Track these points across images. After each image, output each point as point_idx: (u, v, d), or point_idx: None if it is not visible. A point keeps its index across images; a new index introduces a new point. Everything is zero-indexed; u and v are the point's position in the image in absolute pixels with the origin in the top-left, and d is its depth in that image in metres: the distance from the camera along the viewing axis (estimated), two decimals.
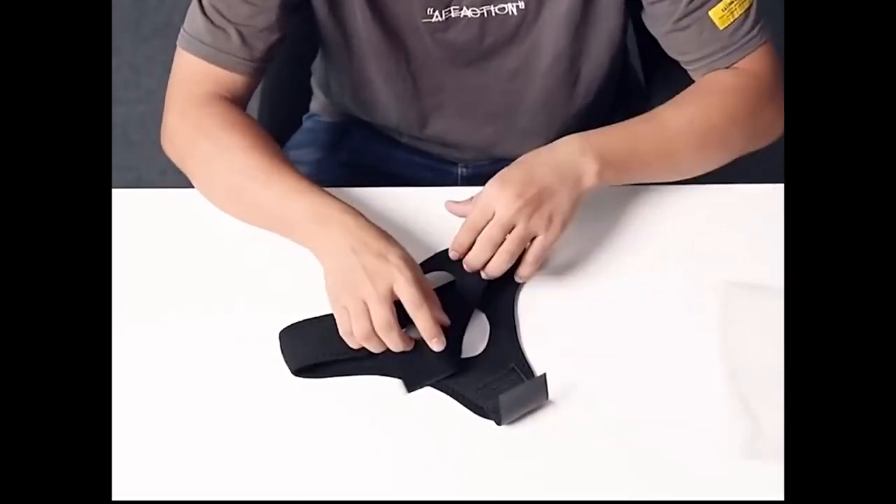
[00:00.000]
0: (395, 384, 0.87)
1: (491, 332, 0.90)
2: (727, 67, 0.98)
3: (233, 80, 0.99)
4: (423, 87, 1.07)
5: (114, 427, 0.79)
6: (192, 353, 0.89)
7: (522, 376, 0.85)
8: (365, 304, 0.84)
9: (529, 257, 0.89)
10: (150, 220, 0.95)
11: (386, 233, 0.89)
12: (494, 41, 1.02)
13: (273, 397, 0.87)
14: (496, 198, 0.88)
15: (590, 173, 0.91)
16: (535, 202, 0.88)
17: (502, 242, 0.88)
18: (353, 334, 0.84)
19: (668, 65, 1.15)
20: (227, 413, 0.86)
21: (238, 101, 1.00)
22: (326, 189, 0.92)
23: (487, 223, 0.88)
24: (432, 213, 0.97)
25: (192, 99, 0.98)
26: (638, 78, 1.24)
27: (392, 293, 0.84)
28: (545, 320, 0.91)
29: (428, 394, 0.86)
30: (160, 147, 1.00)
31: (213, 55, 0.97)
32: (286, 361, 0.88)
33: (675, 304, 0.92)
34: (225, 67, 0.98)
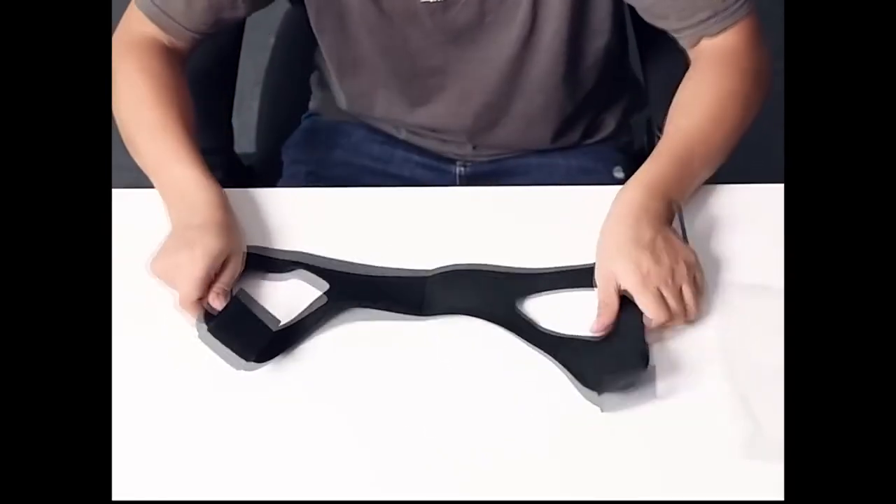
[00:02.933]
0: (396, 385, 0.87)
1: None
2: (715, 35, 0.99)
3: (170, 41, 1.02)
4: (422, 68, 1.07)
5: (114, 427, 0.79)
6: (191, 352, 0.89)
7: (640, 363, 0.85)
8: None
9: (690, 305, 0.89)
10: (150, 220, 0.94)
11: (224, 219, 0.91)
12: (494, 20, 1.02)
13: (273, 397, 0.87)
14: (619, 275, 0.88)
15: (663, 211, 0.92)
16: (655, 258, 0.88)
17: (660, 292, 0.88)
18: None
19: (667, 63, 1.16)
20: (227, 413, 0.86)
21: (174, 53, 1.02)
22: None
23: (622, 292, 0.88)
24: (431, 212, 0.97)
25: (128, 40, 1.01)
26: (637, 76, 1.24)
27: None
28: (545, 320, 0.91)
29: (428, 394, 0.86)
30: None
31: (157, 14, 1.00)
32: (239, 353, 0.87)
33: None
34: (165, 30, 1.00)
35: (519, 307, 0.91)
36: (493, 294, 0.91)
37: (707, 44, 1.00)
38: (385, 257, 0.95)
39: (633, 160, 1.25)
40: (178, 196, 0.93)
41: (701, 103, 0.98)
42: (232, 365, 0.87)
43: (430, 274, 0.92)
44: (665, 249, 0.88)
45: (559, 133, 1.16)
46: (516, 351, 0.89)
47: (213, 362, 0.88)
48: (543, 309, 0.91)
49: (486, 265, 0.93)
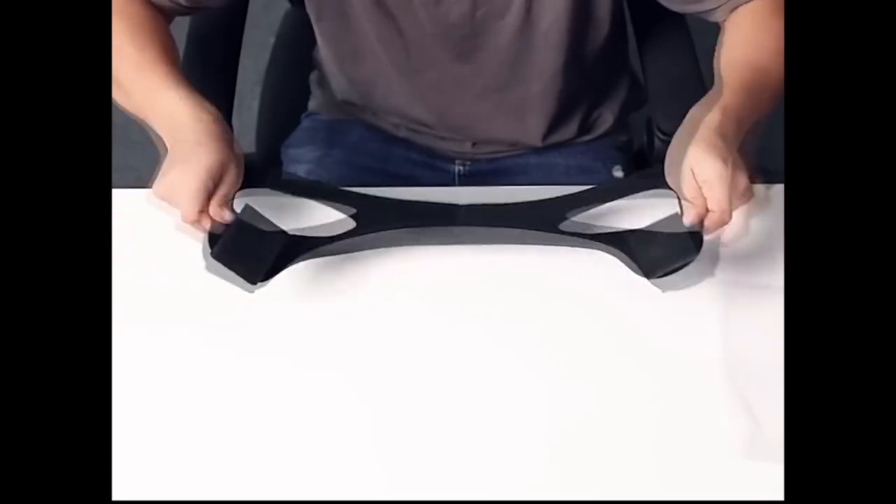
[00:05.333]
0: (396, 385, 0.87)
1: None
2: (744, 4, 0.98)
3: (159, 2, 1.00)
4: (417, 60, 1.07)
5: (114, 427, 0.79)
6: (191, 353, 0.89)
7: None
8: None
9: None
10: (150, 220, 0.94)
11: (217, 131, 0.90)
12: (487, 13, 1.02)
13: (273, 397, 0.87)
14: (717, 167, 0.86)
15: (736, 138, 0.89)
16: (736, 164, 0.86)
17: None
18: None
19: (667, 62, 1.16)
20: (227, 413, 0.86)
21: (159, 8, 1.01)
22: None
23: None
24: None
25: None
26: (636, 74, 1.24)
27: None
28: (543, 320, 0.91)
29: (428, 393, 0.86)
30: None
31: None
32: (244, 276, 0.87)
33: (674, 304, 0.92)
34: None
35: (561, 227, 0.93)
36: (535, 213, 0.93)
37: (742, 9, 0.98)
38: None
39: (632, 159, 1.25)
40: (169, 121, 0.92)
41: (762, 38, 0.96)
42: (245, 289, 0.87)
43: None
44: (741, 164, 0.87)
45: (556, 124, 1.16)
46: (516, 351, 0.89)
47: (213, 362, 0.88)
48: (535, 305, 0.91)
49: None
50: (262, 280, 0.87)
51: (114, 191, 0.86)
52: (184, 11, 1.03)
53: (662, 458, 0.82)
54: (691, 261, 0.86)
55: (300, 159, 1.20)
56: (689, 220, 0.87)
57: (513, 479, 0.81)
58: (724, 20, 1.00)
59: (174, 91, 0.92)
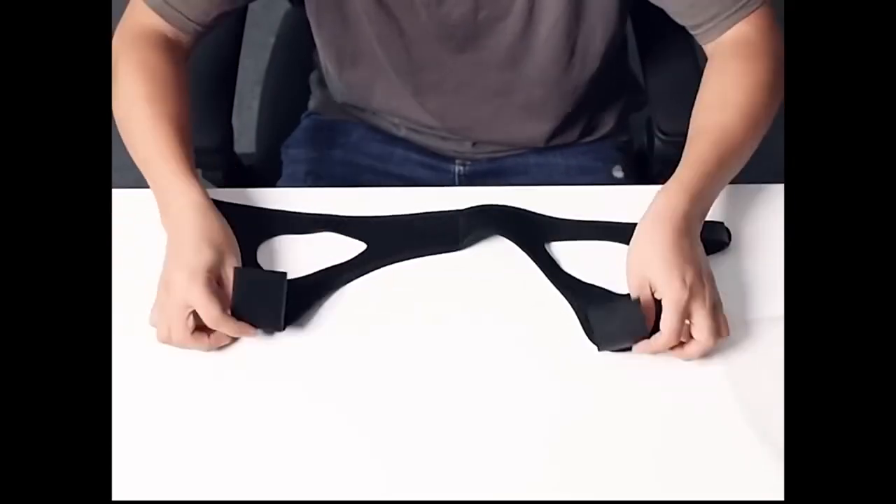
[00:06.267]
0: (396, 385, 0.87)
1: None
2: (733, 26, 0.97)
3: (174, 33, 1.00)
4: (420, 60, 1.07)
5: (114, 427, 0.79)
6: (191, 353, 0.89)
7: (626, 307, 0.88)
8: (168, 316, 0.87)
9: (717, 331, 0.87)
10: (150, 220, 0.94)
11: (215, 236, 0.90)
12: (489, 15, 1.02)
13: (272, 397, 0.87)
14: (659, 283, 0.86)
15: (697, 221, 0.90)
16: (698, 284, 0.85)
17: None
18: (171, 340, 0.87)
19: (667, 64, 1.16)
20: (227, 413, 0.86)
21: (177, 47, 1.01)
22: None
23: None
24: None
25: (131, 31, 1.00)
26: (636, 77, 1.24)
27: (189, 308, 0.86)
28: (544, 320, 0.91)
29: (428, 393, 0.86)
30: None
31: (160, 6, 0.99)
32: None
33: None
34: (169, 21, 0.99)
35: (546, 247, 0.95)
36: (524, 228, 0.96)
37: (726, 36, 0.98)
38: None
39: (632, 159, 1.25)
40: (160, 193, 0.93)
41: (731, 97, 0.95)
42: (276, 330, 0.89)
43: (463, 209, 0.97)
44: (703, 263, 0.87)
45: (558, 129, 1.16)
46: (516, 350, 0.89)
47: (213, 362, 0.88)
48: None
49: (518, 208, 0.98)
50: (287, 322, 0.89)
51: (114, 191, 0.86)
52: (207, 30, 1.03)
53: (662, 458, 0.82)
54: (641, 338, 0.86)
55: (300, 159, 1.20)
56: (641, 348, 0.87)
57: (513, 479, 0.81)
58: (709, 45, 0.99)
59: (168, 163, 0.92)
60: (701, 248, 0.89)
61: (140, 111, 0.95)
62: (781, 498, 0.69)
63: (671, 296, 0.84)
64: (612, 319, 0.87)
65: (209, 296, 0.85)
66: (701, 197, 0.90)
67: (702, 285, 0.85)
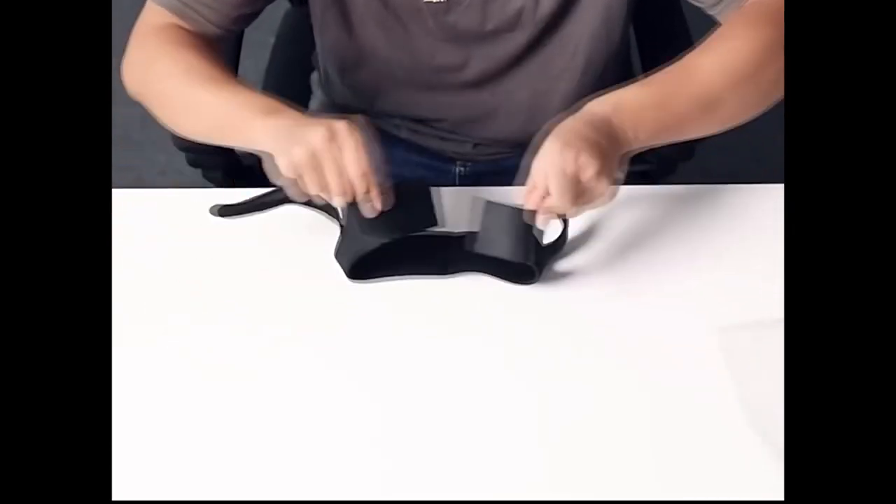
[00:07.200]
0: (395, 385, 0.87)
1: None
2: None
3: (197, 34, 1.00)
4: (425, 64, 1.07)
5: (114, 427, 0.78)
6: (191, 352, 0.89)
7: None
8: (319, 170, 0.84)
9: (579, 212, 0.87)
10: (150, 220, 0.94)
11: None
12: (496, 27, 1.02)
13: (273, 397, 0.87)
14: (559, 156, 0.84)
15: (627, 136, 0.87)
16: (593, 155, 0.83)
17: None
18: (307, 187, 0.85)
19: (666, 60, 1.16)
20: (227, 413, 0.86)
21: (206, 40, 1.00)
22: None
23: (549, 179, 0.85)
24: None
25: (153, 30, 0.99)
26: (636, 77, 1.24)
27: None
28: (544, 320, 0.91)
29: (428, 393, 0.86)
30: (160, 147, 1.00)
31: (180, 9, 0.97)
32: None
33: (674, 304, 0.92)
34: (189, 24, 0.98)
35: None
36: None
37: (739, 13, 0.95)
38: None
39: (631, 160, 1.25)
40: (271, 112, 0.89)
41: (715, 46, 0.92)
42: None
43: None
44: (607, 159, 0.83)
45: None
46: (516, 350, 0.89)
47: (212, 362, 0.88)
48: (535, 306, 0.91)
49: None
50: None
51: (114, 191, 0.86)
52: (228, 34, 1.02)
53: (662, 458, 0.82)
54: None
55: None
56: (525, 200, 0.86)
57: (513, 479, 0.81)
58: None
59: (269, 97, 0.91)
60: (616, 158, 0.85)
61: (205, 70, 0.93)
62: (781, 498, 0.69)
63: (549, 158, 0.83)
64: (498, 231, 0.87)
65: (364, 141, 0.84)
66: (632, 111, 0.87)
67: (597, 174, 0.82)
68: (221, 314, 0.92)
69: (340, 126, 0.85)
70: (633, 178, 1.19)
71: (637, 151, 0.88)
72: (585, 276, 0.94)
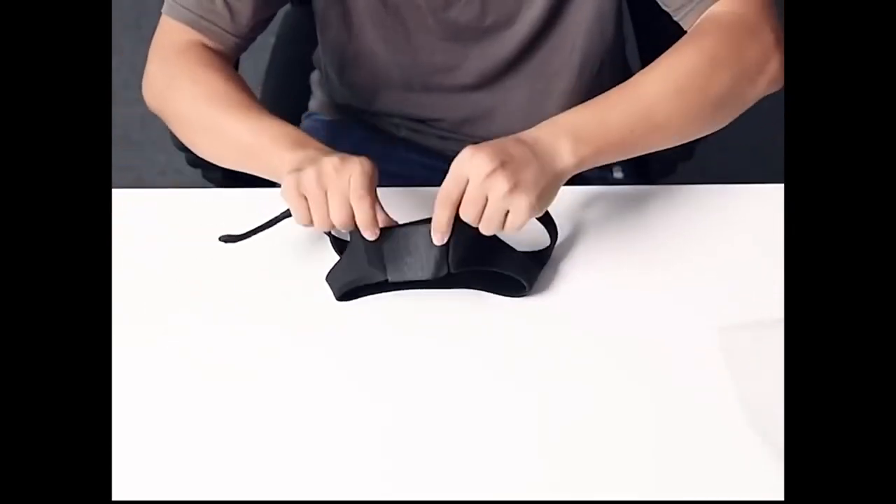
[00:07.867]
0: (395, 385, 0.87)
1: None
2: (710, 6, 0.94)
3: (215, 48, 1.00)
4: (425, 62, 1.07)
5: (114, 427, 0.78)
6: (191, 353, 0.89)
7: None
8: (324, 192, 0.84)
9: (506, 229, 0.86)
10: (150, 220, 0.94)
11: None
12: (496, 22, 1.02)
13: (273, 397, 0.87)
14: (468, 163, 0.84)
15: (563, 153, 0.86)
16: (509, 169, 0.82)
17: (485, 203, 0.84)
18: (312, 220, 0.85)
19: None
20: (227, 413, 0.86)
21: (222, 57, 1.01)
22: None
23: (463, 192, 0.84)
24: (430, 212, 0.96)
25: (174, 47, 0.98)
26: None
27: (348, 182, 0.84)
28: (544, 321, 0.91)
29: (427, 393, 0.86)
30: (160, 147, 1.00)
31: (196, 21, 0.97)
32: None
33: (674, 304, 0.92)
34: (207, 36, 0.98)
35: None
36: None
37: (709, 12, 0.94)
38: None
39: (632, 160, 1.25)
40: (294, 146, 0.90)
41: (663, 61, 0.91)
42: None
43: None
44: (524, 172, 0.82)
45: None
46: (515, 350, 0.89)
47: (213, 362, 0.88)
48: (534, 305, 0.91)
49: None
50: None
51: (114, 191, 0.86)
52: (245, 43, 1.02)
53: (662, 458, 0.82)
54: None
55: None
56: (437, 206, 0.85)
57: (512, 479, 0.81)
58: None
59: (291, 126, 0.92)
60: (543, 175, 0.84)
61: (233, 96, 0.94)
62: (781, 498, 0.69)
63: (464, 164, 0.82)
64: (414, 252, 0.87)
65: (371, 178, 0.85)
66: (570, 130, 0.86)
67: (510, 183, 0.81)
68: (221, 314, 0.92)
69: (354, 158, 0.86)
70: (633, 179, 1.20)
71: (584, 170, 0.88)
72: (585, 276, 0.94)
